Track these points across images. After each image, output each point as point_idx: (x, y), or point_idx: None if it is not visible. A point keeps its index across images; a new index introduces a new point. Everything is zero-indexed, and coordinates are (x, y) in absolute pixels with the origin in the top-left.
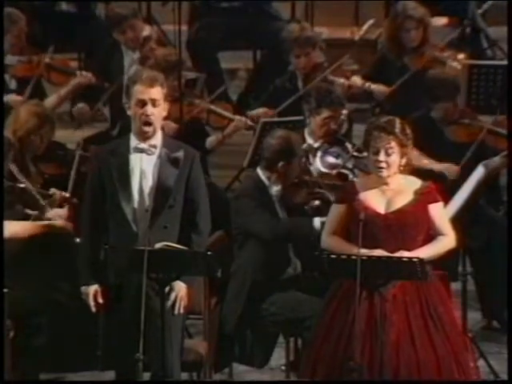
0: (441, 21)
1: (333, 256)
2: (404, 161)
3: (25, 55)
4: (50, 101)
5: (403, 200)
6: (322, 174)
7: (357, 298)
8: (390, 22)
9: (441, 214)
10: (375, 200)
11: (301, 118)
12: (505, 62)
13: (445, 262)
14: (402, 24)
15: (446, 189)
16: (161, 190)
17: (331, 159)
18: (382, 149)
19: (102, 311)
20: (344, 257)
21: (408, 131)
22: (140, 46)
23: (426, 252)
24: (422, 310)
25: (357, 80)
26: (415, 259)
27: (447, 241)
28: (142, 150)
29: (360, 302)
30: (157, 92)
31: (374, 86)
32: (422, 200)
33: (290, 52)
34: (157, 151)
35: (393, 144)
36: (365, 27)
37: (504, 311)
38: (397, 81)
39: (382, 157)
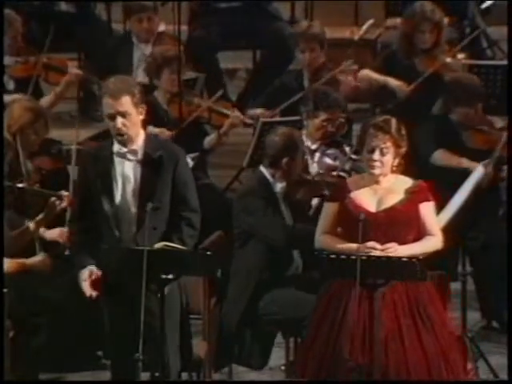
0: None
1: (332, 256)
2: (397, 161)
3: (22, 56)
4: (46, 100)
5: (394, 199)
6: (323, 173)
7: (356, 297)
8: (406, 20)
9: (431, 213)
10: (366, 199)
11: (300, 118)
12: (505, 62)
13: (444, 261)
14: (418, 25)
15: None
16: (144, 193)
17: (329, 161)
18: (377, 148)
19: (97, 297)
20: (343, 257)
21: (403, 132)
22: (153, 40)
23: (411, 249)
24: (410, 308)
25: (373, 75)
26: (414, 259)
27: (434, 241)
28: (123, 155)
29: (350, 300)
30: (124, 103)
31: (395, 84)
32: (412, 199)
33: (295, 48)
34: (138, 154)
35: (388, 144)
36: (364, 27)
37: (504, 311)
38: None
39: (376, 156)
